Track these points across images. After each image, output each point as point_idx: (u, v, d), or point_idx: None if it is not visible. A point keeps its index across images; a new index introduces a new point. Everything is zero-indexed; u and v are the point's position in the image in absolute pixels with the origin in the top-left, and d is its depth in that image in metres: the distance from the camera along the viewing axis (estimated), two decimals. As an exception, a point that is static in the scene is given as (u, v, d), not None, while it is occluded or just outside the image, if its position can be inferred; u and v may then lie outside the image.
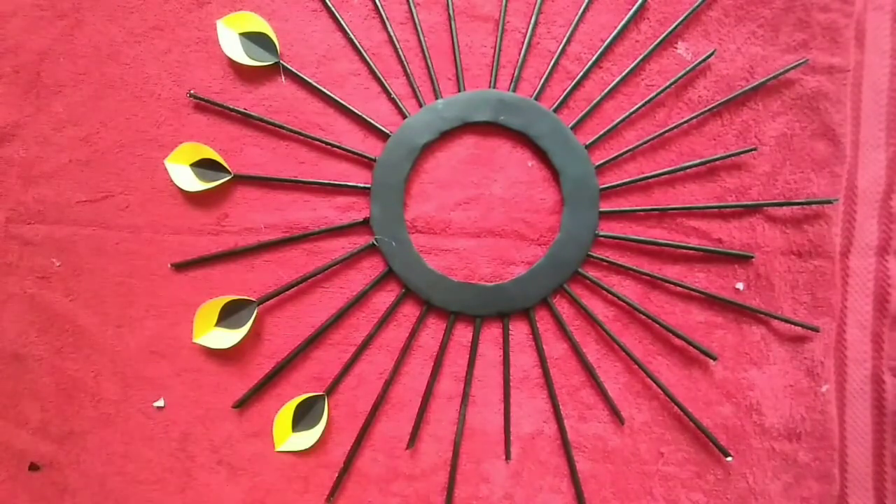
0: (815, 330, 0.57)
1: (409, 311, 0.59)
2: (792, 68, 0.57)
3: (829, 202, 0.56)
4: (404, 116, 0.59)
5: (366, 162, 0.59)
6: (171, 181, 0.59)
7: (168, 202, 0.60)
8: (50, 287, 0.60)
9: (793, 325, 0.57)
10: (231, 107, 0.59)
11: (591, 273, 0.58)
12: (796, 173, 0.57)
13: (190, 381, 0.60)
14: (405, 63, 0.59)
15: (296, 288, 0.59)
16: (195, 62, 0.60)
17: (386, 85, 0.59)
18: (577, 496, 0.58)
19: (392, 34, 0.59)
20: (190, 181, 0.59)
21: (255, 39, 0.58)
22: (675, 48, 0.58)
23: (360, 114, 0.59)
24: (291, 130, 0.59)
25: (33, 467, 0.61)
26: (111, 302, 0.60)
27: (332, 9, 0.59)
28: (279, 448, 0.58)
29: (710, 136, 0.58)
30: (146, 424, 0.60)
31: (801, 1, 0.57)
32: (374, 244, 0.58)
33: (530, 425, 0.59)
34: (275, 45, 0.58)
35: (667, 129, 0.58)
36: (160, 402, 0.60)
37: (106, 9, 0.60)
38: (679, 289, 0.58)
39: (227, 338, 0.58)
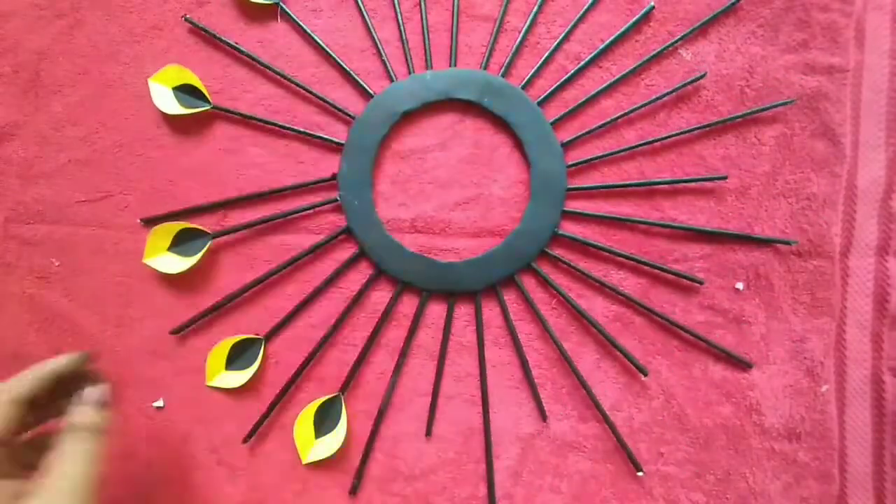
0: (748, 366, 0.57)
1: (362, 274, 0.60)
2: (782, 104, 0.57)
3: (788, 243, 0.57)
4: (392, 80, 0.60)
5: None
6: (172, 181, 0.59)
7: (167, 202, 0.60)
8: (49, 287, 0.60)
9: (792, 328, 0.57)
10: (225, 39, 0.59)
11: (544, 268, 0.59)
12: (796, 173, 0.57)
13: (189, 381, 0.60)
14: (402, 30, 0.59)
15: (254, 229, 0.60)
16: (195, 62, 0.60)
17: (381, 47, 0.59)
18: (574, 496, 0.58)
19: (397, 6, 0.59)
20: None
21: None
22: (676, 48, 0.58)
23: (348, 70, 0.59)
24: (284, 75, 0.59)
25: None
26: (110, 302, 0.60)
27: None
28: (210, 383, 0.58)
29: (709, 136, 0.58)
30: (146, 424, 0.60)
31: (800, 1, 0.57)
32: (337, 199, 0.58)
33: (530, 425, 0.59)
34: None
35: (663, 136, 0.58)
36: (159, 403, 0.60)
37: (105, 8, 0.60)
38: (678, 288, 0.58)
39: (177, 264, 0.58)
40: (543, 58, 0.59)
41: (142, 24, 0.60)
